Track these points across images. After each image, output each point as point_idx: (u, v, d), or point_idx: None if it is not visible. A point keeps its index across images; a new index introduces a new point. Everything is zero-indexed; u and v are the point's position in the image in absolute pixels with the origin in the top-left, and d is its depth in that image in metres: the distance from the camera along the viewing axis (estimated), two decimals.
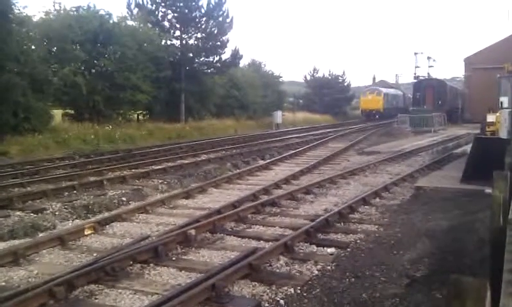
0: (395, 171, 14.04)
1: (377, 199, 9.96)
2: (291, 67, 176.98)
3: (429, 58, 50.51)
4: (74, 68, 23.90)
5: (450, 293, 1.57)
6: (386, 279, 5.34)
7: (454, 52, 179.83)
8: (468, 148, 14.52)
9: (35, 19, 24.95)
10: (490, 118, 15.63)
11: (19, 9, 20.49)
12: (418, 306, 4.53)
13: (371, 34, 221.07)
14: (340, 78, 58.67)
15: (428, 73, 48.83)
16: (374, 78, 77.13)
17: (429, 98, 37.55)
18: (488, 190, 9.02)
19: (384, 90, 50.04)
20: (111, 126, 23.49)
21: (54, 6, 26.74)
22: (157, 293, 5.13)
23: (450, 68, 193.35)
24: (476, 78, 41.17)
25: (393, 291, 4.98)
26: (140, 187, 11.31)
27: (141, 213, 8.91)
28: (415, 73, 49.35)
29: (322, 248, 6.71)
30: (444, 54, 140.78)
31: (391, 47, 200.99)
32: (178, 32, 32.43)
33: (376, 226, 7.81)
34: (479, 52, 42.64)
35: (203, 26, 32.31)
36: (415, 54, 50.36)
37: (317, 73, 58.24)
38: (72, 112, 25.92)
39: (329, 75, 58.30)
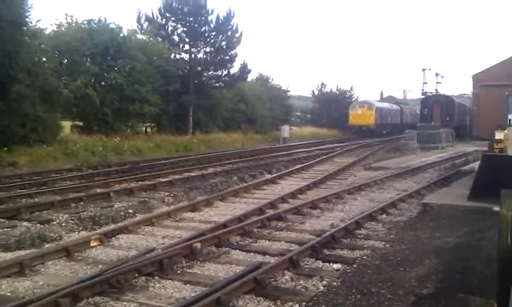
0: (402, 187, 13.98)
1: (384, 215, 9.90)
2: (299, 81, 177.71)
3: (437, 74, 50.55)
4: (85, 80, 24.20)
5: None
6: (393, 296, 5.29)
7: (462, 68, 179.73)
8: (476, 165, 14.42)
9: (47, 32, 25.39)
10: (498, 135, 15.54)
11: (32, 22, 20.82)
12: None
13: (379, 50, 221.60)
14: (347, 93, 58.71)
15: (436, 90, 48.80)
16: (381, 94, 77.19)
17: (437, 115, 37.43)
18: (496, 208, 8.93)
19: (376, 104, 46.40)
20: (119, 139, 23.65)
21: (66, 18, 27.16)
22: None
23: (458, 85, 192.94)
24: (484, 95, 41.08)
25: None
26: (146, 199, 11.33)
27: (147, 225, 8.92)
28: (422, 89, 49.31)
29: (328, 264, 6.66)
30: (452, 70, 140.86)
31: (399, 63, 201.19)
32: (187, 46, 32.78)
33: (383, 243, 7.75)
34: (488, 69, 42.59)
35: (212, 40, 32.63)
36: (423, 70, 50.37)
37: (324, 88, 58.36)
38: (81, 124, 26.16)
39: (337, 90, 58.36)
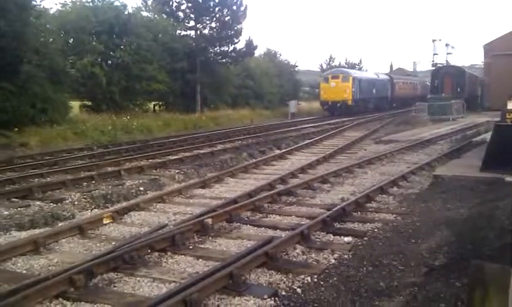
0: (413, 159, 13.89)
1: (395, 188, 9.86)
2: (307, 56, 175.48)
3: (447, 45, 49.78)
4: (91, 59, 24.16)
5: (472, 279, 1.52)
6: (404, 267, 5.30)
7: (472, 39, 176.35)
8: (487, 136, 14.25)
9: (52, 11, 25.29)
10: (511, 105, 15.29)
11: (36, 1, 20.71)
12: (437, 294, 4.47)
13: (388, 21, 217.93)
14: (356, 66, 58.11)
15: (446, 61, 48.07)
16: (391, 66, 76.35)
17: (448, 86, 36.90)
18: (508, 179, 8.85)
19: (354, 73, 38.08)
20: (128, 117, 23.71)
21: None
22: (174, 281, 5.17)
23: (468, 56, 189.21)
24: (496, 65, 40.34)
25: (411, 280, 4.93)
26: (157, 176, 11.39)
27: (159, 202, 8.97)
28: (433, 61, 48.59)
29: (339, 237, 6.67)
30: (463, 41, 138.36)
31: (409, 34, 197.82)
32: (192, 23, 32.49)
33: (394, 215, 7.73)
34: (499, 38, 41.71)
35: (217, 15, 32.31)
36: (433, 41, 49.55)
37: (333, 61, 57.95)
38: (90, 103, 26.22)
39: (346, 63, 57.81)
